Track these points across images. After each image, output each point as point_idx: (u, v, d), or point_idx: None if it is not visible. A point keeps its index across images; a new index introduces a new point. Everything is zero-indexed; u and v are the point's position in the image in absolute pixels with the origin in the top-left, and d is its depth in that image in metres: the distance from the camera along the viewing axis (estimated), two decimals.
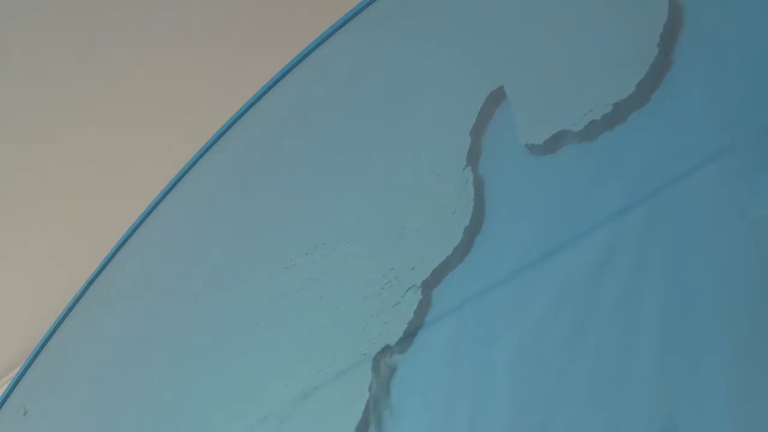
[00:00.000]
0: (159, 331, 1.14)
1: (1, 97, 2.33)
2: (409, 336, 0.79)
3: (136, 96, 2.41)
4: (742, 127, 0.65)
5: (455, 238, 0.80)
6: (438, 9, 0.99)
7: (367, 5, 1.08)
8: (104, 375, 1.19)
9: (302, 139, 1.08)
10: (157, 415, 1.04)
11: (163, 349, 1.10)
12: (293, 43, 1.48)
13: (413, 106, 0.93)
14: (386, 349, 0.80)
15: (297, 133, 1.10)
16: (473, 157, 0.82)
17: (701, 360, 0.59)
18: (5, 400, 1.35)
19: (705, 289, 0.61)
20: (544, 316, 0.69)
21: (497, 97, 0.83)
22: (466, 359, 0.74)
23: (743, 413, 0.56)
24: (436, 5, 0.99)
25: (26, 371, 1.36)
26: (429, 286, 0.80)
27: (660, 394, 0.60)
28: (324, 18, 1.30)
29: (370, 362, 0.81)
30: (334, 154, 1.00)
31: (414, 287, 0.81)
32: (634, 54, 0.74)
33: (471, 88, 0.86)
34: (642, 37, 0.74)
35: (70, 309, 1.37)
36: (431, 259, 0.81)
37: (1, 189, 2.52)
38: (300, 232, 0.99)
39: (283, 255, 0.99)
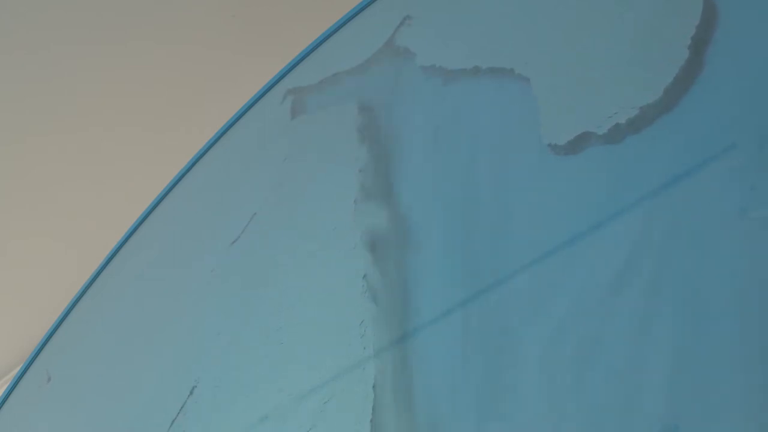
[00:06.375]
0: (163, 322, 1.14)
1: (1, 96, 2.33)
2: (414, 335, 0.79)
3: (137, 94, 2.41)
4: (742, 127, 0.65)
5: None
6: (451, 1, 1.00)
7: (371, 2, 1.08)
8: (120, 354, 1.20)
9: (310, 132, 1.09)
10: (158, 415, 1.04)
11: (167, 343, 1.10)
12: (297, 41, 1.48)
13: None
14: (393, 347, 0.80)
15: (304, 127, 1.10)
16: (494, 152, 0.82)
17: (710, 372, 0.59)
18: (29, 366, 1.36)
19: (708, 292, 0.61)
20: (554, 328, 0.69)
21: (522, 92, 0.83)
22: (471, 362, 0.74)
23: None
24: None
25: (50, 338, 1.37)
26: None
27: (670, 410, 0.60)
28: (328, 14, 1.30)
29: (377, 360, 0.81)
30: (345, 148, 1.00)
31: None
32: (663, 55, 0.73)
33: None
34: (672, 37, 0.73)
35: (94, 279, 1.38)
36: None
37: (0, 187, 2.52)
38: (309, 227, 0.99)
39: (290, 251, 0.99)
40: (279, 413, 0.87)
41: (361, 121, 1.01)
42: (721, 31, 0.71)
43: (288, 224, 1.03)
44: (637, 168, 0.70)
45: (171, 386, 1.04)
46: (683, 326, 0.61)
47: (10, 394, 1.36)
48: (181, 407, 1.00)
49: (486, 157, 0.83)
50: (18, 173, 2.51)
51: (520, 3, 0.91)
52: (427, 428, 0.73)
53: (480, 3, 0.96)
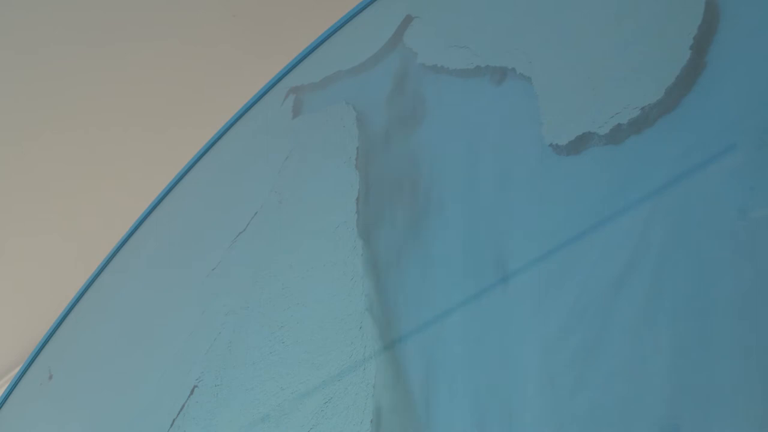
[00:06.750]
0: (164, 321, 1.14)
1: (1, 96, 2.33)
2: (414, 335, 0.79)
3: (137, 94, 2.41)
4: (742, 128, 0.65)
5: None
6: (453, 1, 1.00)
7: (371, 2, 1.08)
8: (121, 352, 1.20)
9: (311, 130, 1.09)
10: (160, 413, 1.04)
11: (168, 342, 1.10)
12: (297, 41, 1.48)
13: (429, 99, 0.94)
14: (394, 347, 0.80)
15: (306, 125, 1.10)
16: (496, 152, 0.82)
17: (711, 372, 0.59)
18: (31, 363, 1.37)
19: (708, 292, 0.61)
20: (555, 328, 0.69)
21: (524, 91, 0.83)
22: (472, 362, 0.73)
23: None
24: None
25: (52, 336, 1.37)
26: None
27: (670, 410, 0.60)
28: (329, 14, 1.30)
29: (377, 360, 0.81)
30: (346, 146, 1.00)
31: None
32: (665, 55, 0.73)
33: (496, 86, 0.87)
34: (675, 38, 0.73)
35: (95, 278, 1.38)
36: None
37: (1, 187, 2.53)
38: (310, 226, 0.99)
39: (291, 250, 0.99)
40: (280, 412, 0.87)
41: (362, 119, 1.01)
42: (722, 31, 0.71)
43: (289, 223, 1.03)
44: (637, 168, 0.70)
45: (172, 385, 1.04)
46: (684, 326, 0.61)
47: (12, 391, 1.36)
48: (182, 406, 1.00)
49: (487, 157, 0.83)
50: (19, 173, 2.51)
51: (521, 3, 0.91)
52: (428, 428, 0.73)
53: (482, 3, 0.96)
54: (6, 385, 1.69)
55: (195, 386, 1.00)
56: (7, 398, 1.36)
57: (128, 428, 1.07)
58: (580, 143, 0.76)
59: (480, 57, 0.91)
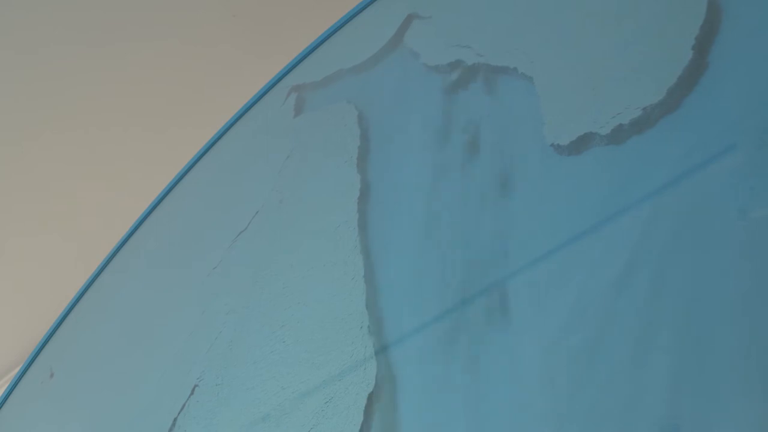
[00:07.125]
0: (165, 321, 1.14)
1: (2, 96, 2.33)
2: (415, 335, 0.79)
3: (138, 94, 2.41)
4: (743, 128, 0.66)
5: None
6: (455, 1, 1.00)
7: (372, 2, 1.08)
8: (122, 351, 1.20)
9: (313, 129, 1.09)
10: (161, 411, 1.04)
11: (169, 341, 1.10)
12: (297, 41, 1.48)
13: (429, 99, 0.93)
14: (394, 347, 0.80)
15: (307, 124, 1.11)
16: (496, 151, 0.82)
17: (711, 372, 0.59)
18: (32, 362, 1.36)
19: (709, 292, 0.61)
20: (556, 329, 0.69)
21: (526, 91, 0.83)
22: (473, 362, 0.73)
23: None
24: None
25: (53, 334, 1.37)
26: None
27: (671, 410, 0.60)
28: (329, 14, 1.30)
29: (378, 360, 0.81)
30: (347, 145, 1.00)
31: None
32: (667, 55, 0.73)
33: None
34: (676, 37, 0.73)
35: (96, 277, 1.38)
36: None
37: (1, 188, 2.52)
38: (311, 225, 0.99)
39: (292, 249, 0.99)
40: (281, 412, 0.87)
41: (363, 118, 1.01)
42: (725, 31, 0.71)
43: (290, 223, 1.03)
44: (639, 168, 0.70)
45: (173, 384, 1.04)
46: (684, 326, 0.61)
47: (12, 390, 1.37)
48: (183, 405, 1.00)
49: (488, 157, 0.83)
50: (19, 173, 2.51)
51: (521, 3, 0.91)
52: (430, 428, 0.73)
53: (482, 3, 0.97)
54: (6, 385, 1.69)
55: (196, 385, 1.00)
56: (7, 398, 1.36)
57: (129, 428, 1.07)
58: (582, 143, 0.76)
59: (482, 57, 0.91)
